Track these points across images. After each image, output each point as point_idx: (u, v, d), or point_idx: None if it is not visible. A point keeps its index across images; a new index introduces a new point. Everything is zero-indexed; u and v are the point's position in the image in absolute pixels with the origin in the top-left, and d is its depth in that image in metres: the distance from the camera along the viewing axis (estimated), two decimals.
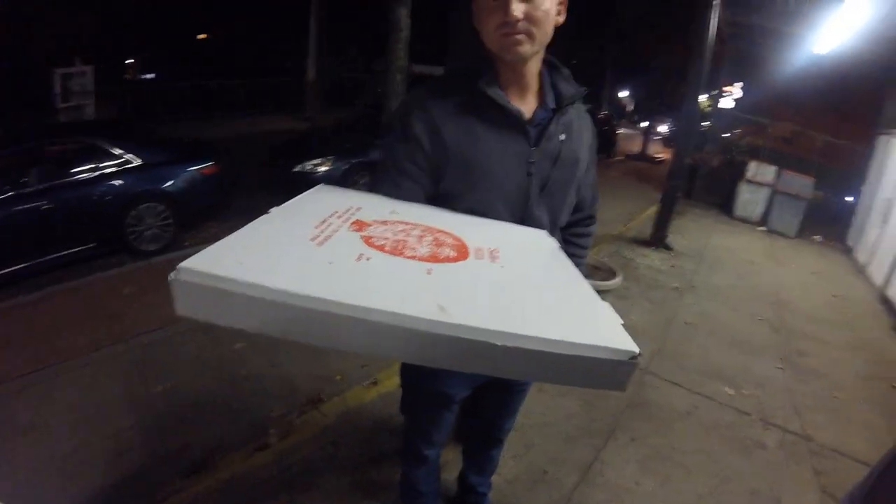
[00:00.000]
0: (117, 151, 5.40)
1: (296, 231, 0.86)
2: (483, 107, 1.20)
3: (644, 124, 24.56)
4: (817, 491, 3.01)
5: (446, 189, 1.23)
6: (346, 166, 7.18)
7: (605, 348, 0.71)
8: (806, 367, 4.61)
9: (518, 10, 1.10)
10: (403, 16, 5.75)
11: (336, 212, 0.97)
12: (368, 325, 0.65)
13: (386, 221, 0.97)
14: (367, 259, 0.78)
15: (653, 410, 3.50)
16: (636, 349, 0.72)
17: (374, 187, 1.25)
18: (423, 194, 1.23)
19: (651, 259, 6.89)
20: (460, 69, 1.27)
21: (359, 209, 1.01)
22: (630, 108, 31.43)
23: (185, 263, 0.67)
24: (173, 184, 5.71)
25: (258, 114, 15.78)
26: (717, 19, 6.73)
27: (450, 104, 1.21)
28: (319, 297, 0.65)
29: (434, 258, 0.85)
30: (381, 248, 0.83)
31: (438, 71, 20.92)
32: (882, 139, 9.62)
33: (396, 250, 0.84)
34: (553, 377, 0.73)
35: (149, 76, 21.14)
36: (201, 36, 23.47)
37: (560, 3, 1.20)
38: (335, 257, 0.77)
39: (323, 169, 7.03)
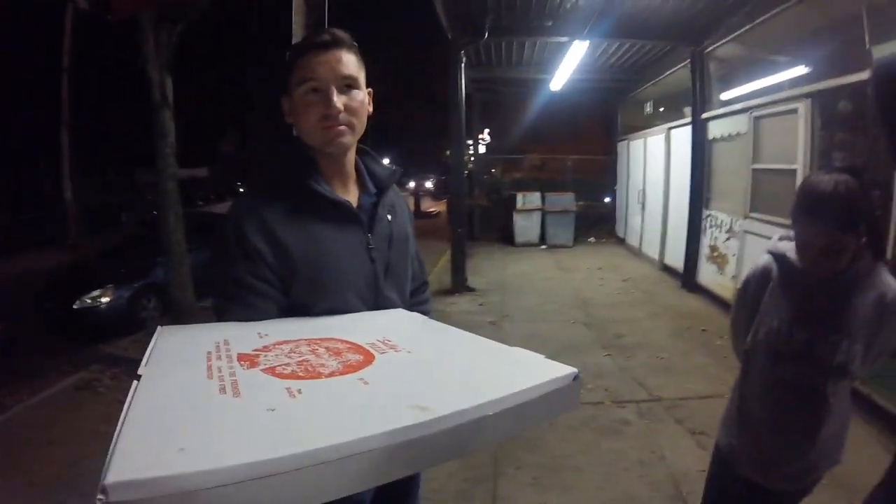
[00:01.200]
0: None
1: (196, 389, 0.77)
2: (314, 205, 1.21)
3: (411, 185, 26.12)
4: (687, 435, 3.40)
5: (298, 297, 1.21)
6: (130, 292, 6.59)
7: (556, 378, 0.79)
8: (627, 345, 5.22)
9: (339, 102, 1.17)
10: (167, 119, 5.48)
11: (209, 353, 0.91)
12: (364, 457, 0.61)
13: (267, 347, 0.94)
14: (299, 392, 0.74)
15: (520, 435, 3.59)
16: (575, 369, 0.81)
17: (220, 313, 1.19)
18: (276, 308, 1.19)
19: (460, 304, 7.22)
20: (279, 168, 1.29)
21: (226, 343, 0.96)
22: None
23: (111, 478, 0.50)
24: None
25: (14, 250, 13.12)
26: (463, 78, 7.72)
27: (280, 208, 1.20)
28: (306, 450, 0.58)
29: (351, 368, 0.84)
30: (296, 377, 0.80)
31: (202, 173, 20.13)
32: (621, 144, 12.00)
33: (311, 373, 0.82)
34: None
35: None
36: None
37: (368, 94, 1.28)
38: (269, 402, 0.71)
39: (105, 300, 6.36)
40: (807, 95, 4.74)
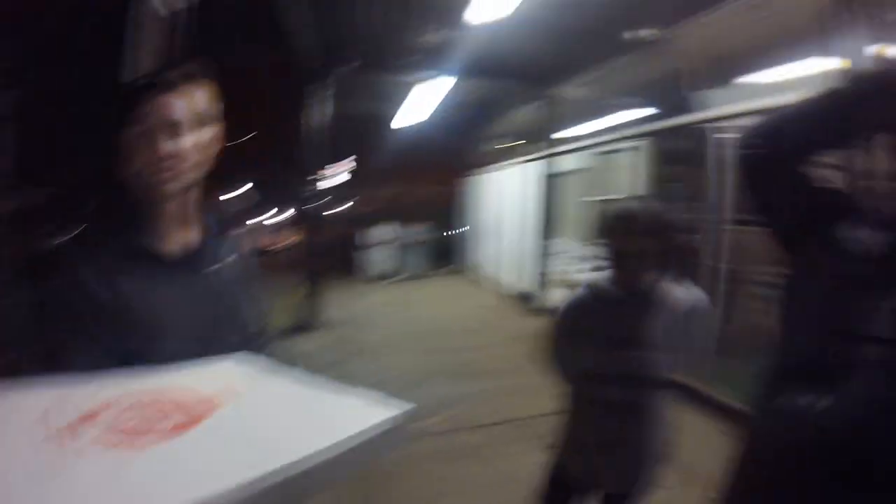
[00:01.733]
0: None
1: (33, 453, 0.73)
2: (145, 253, 1.17)
3: (261, 217, 25.07)
4: (541, 452, 3.31)
5: (134, 347, 1.13)
6: None
7: (396, 416, 0.85)
8: (480, 370, 5.27)
9: (166, 146, 1.10)
10: None
11: (44, 411, 0.85)
12: None
13: (105, 403, 0.90)
14: (136, 457, 0.74)
15: (375, 473, 3.35)
16: (410, 405, 0.86)
17: (50, 363, 1.07)
18: (111, 359, 1.07)
19: (309, 342, 6.72)
20: (110, 213, 1.23)
21: (59, 400, 0.89)
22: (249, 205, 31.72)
23: None
24: None
25: None
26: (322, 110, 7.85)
27: (107, 258, 1.13)
28: None
29: (190, 421, 0.84)
30: (135, 433, 0.79)
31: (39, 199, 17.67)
32: (472, 179, 12.52)
33: (147, 432, 0.80)
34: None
35: None
36: None
37: (216, 130, 1.22)
38: (109, 466, 0.71)
39: None
40: (642, 135, 5.25)
